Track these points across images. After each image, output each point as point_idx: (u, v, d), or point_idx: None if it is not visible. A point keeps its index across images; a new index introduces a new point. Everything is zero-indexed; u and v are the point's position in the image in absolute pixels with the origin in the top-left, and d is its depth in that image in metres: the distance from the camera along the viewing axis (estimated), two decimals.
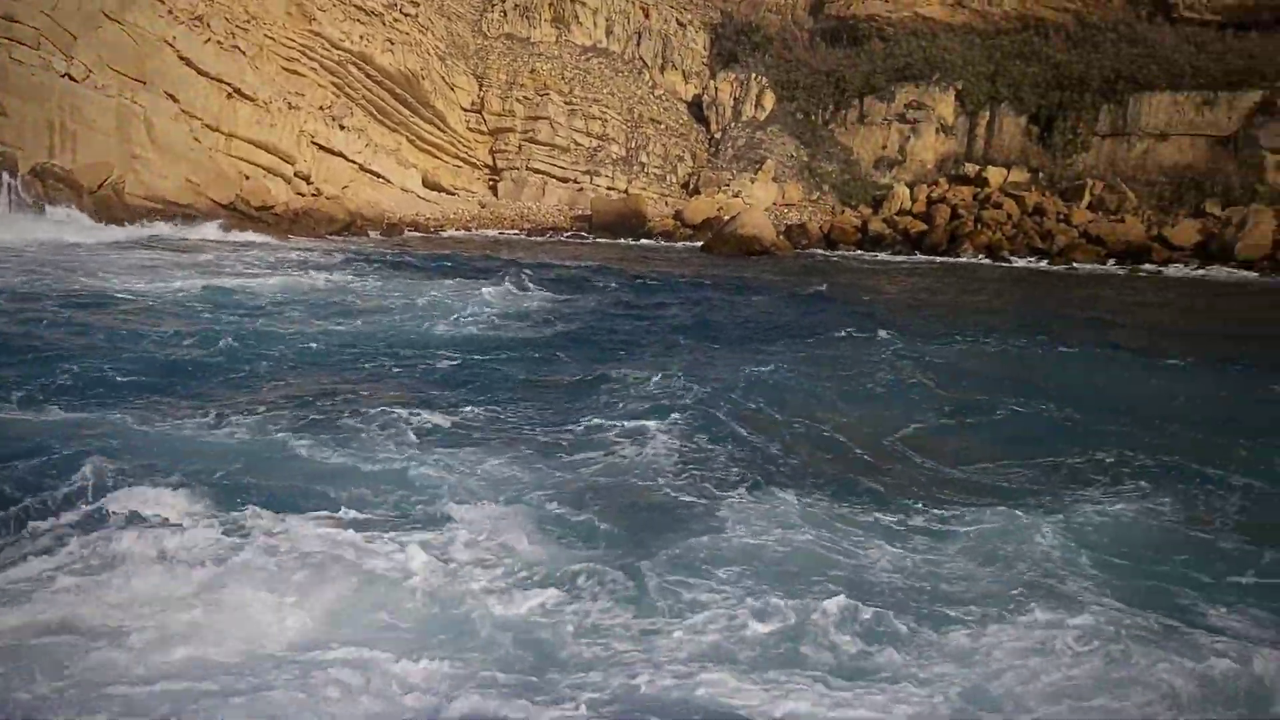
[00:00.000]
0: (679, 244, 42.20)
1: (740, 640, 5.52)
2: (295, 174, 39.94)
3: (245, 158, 38.46)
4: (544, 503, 7.42)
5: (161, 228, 31.81)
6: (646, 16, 55.44)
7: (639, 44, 54.74)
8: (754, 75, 52.75)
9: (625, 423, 9.96)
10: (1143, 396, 12.44)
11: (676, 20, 55.81)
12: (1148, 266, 37.35)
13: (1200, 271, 36.00)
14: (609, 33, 54.74)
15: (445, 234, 40.90)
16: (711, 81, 53.82)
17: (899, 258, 40.28)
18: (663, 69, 54.64)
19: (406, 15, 47.03)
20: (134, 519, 6.50)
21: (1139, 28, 47.24)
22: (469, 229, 43.07)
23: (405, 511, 7.16)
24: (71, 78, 34.86)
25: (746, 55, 54.54)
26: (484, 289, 20.25)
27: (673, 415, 10.20)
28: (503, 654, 5.28)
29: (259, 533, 6.47)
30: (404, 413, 9.71)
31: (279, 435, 8.78)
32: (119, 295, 16.79)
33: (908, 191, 46.24)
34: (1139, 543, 7.12)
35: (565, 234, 43.67)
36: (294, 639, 5.29)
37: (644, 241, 42.29)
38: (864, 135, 50.38)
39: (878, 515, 7.48)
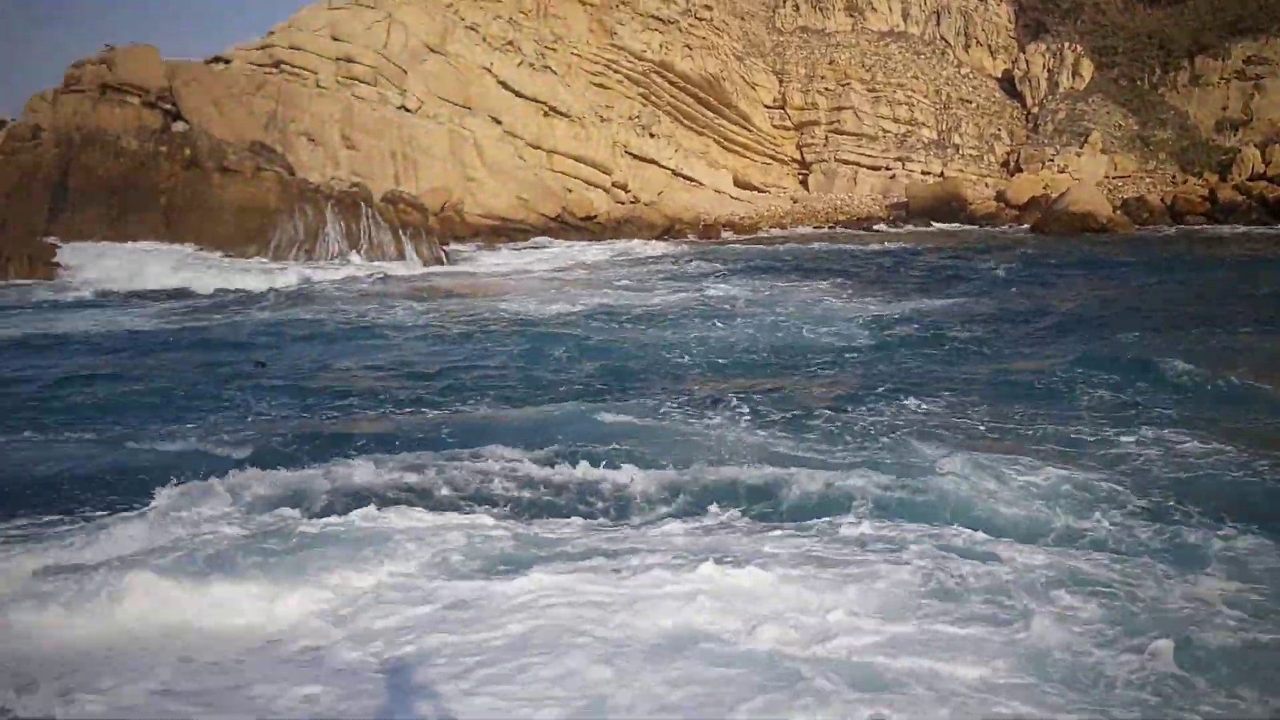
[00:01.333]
0: (1003, 226, 40.12)
1: None
2: (613, 184, 40.96)
3: (566, 172, 39.81)
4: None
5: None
6: None
7: (939, 23, 52.64)
8: (1067, 44, 49.49)
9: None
10: None
11: None
12: None
13: None
14: (906, 15, 52.97)
15: (762, 232, 40.71)
16: (1021, 55, 50.93)
17: (1260, 228, 36.48)
18: (966, 47, 52.26)
19: (701, 20, 47.30)
20: None
21: None
22: (784, 226, 42.68)
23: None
24: (406, 109, 37.17)
25: (1056, 24, 51.26)
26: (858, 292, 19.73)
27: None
28: None
29: None
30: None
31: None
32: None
33: (1258, 154, 41.87)
34: None
35: (882, 223, 42.41)
36: None
37: (966, 226, 40.47)
38: (1199, 97, 46.08)
39: None
